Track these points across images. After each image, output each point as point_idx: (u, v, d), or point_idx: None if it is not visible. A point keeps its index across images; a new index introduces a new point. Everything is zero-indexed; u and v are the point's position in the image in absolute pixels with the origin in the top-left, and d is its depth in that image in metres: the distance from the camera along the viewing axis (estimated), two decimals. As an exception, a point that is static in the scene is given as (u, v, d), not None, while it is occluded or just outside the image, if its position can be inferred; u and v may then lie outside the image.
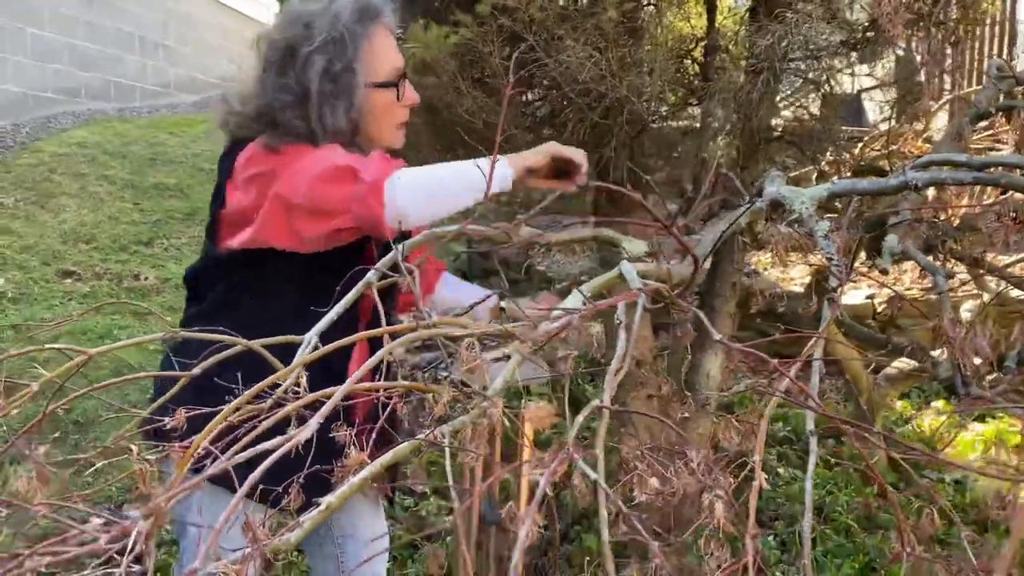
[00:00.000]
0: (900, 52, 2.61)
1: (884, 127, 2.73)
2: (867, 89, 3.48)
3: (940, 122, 3.55)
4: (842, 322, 2.42)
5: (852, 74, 2.60)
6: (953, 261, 1.82)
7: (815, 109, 2.57)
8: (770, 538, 2.40)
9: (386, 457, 0.92)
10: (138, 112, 7.61)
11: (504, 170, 1.30)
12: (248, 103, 1.45)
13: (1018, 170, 0.96)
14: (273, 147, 1.38)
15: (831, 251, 1.12)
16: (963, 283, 1.65)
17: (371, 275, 1.13)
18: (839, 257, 1.12)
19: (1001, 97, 1.66)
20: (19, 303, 3.94)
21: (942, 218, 1.85)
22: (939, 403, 3.18)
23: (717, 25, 2.33)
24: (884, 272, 1.63)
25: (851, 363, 2.56)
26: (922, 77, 2.83)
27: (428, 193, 1.28)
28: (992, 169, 0.96)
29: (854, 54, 2.37)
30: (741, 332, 3.74)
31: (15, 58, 6.27)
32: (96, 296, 4.10)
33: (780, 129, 2.42)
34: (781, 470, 2.71)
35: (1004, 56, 5.08)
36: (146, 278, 4.44)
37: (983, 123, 2.01)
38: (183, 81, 8.79)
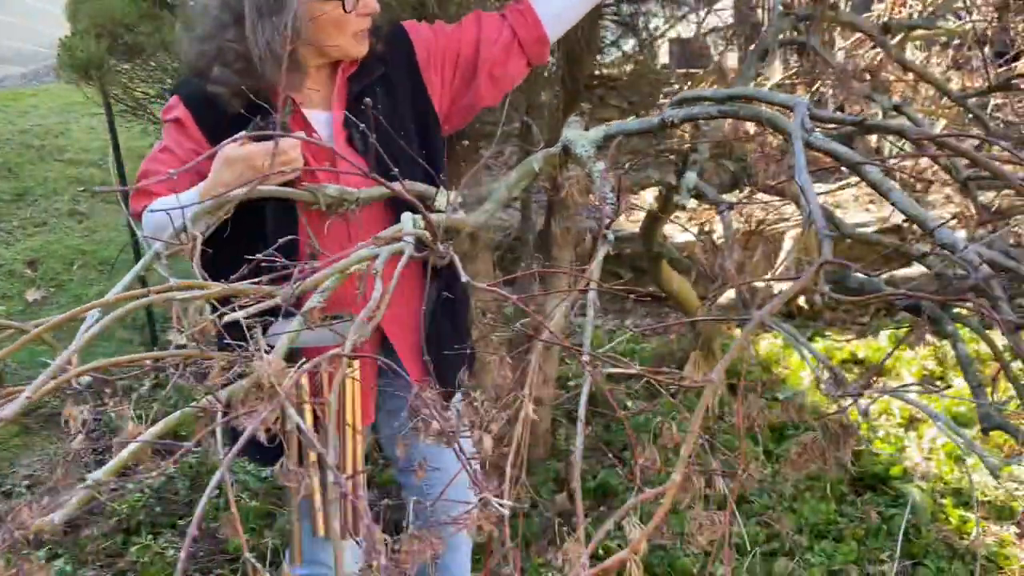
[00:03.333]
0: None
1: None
2: (710, 32, 3.59)
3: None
4: (670, 256, 2.53)
5: (668, 18, 2.67)
6: (756, 192, 1.93)
7: (636, 56, 2.64)
8: (617, 469, 2.51)
9: (156, 428, 0.91)
10: (-43, 87, 7.01)
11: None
12: (198, 26, 1.47)
13: (763, 104, 1.03)
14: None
15: (605, 190, 1.17)
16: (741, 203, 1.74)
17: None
18: (613, 195, 1.16)
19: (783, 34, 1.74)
20: None
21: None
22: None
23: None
24: (682, 208, 1.71)
25: (684, 296, 2.69)
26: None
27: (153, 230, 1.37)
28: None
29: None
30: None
31: None
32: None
33: (602, 75, 2.47)
34: (630, 403, 2.83)
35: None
36: (-25, 266, 4.15)
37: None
38: (8, 53, 8.13)
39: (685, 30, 3.42)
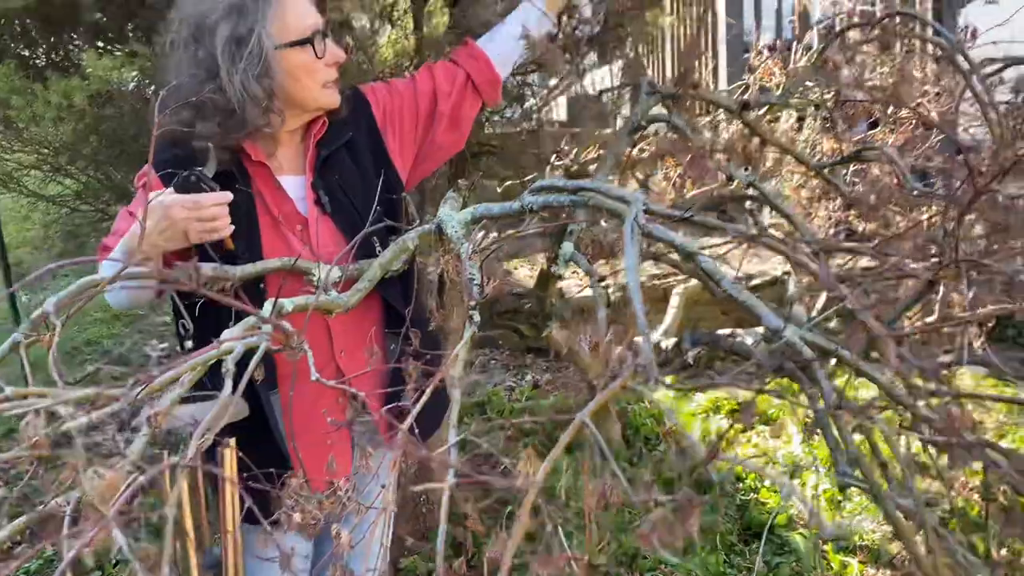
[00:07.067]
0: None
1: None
2: (607, 90, 3.72)
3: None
4: (560, 315, 2.59)
5: (559, 82, 2.77)
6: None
7: (524, 121, 2.73)
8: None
9: (2, 533, 0.88)
10: None
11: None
12: (171, 97, 1.42)
13: (601, 195, 1.09)
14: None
15: (473, 271, 1.20)
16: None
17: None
18: (479, 276, 1.20)
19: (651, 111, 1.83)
20: None
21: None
22: (668, 379, 3.48)
23: (424, 36, 2.42)
24: (559, 277, 1.76)
25: (580, 353, 2.75)
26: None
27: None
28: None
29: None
30: (492, 331, 3.90)
31: None
32: None
33: (488, 144, 2.54)
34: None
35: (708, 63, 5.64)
36: None
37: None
38: None
39: (581, 87, 3.56)
